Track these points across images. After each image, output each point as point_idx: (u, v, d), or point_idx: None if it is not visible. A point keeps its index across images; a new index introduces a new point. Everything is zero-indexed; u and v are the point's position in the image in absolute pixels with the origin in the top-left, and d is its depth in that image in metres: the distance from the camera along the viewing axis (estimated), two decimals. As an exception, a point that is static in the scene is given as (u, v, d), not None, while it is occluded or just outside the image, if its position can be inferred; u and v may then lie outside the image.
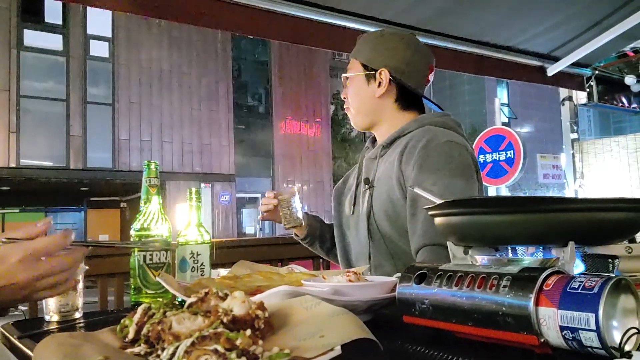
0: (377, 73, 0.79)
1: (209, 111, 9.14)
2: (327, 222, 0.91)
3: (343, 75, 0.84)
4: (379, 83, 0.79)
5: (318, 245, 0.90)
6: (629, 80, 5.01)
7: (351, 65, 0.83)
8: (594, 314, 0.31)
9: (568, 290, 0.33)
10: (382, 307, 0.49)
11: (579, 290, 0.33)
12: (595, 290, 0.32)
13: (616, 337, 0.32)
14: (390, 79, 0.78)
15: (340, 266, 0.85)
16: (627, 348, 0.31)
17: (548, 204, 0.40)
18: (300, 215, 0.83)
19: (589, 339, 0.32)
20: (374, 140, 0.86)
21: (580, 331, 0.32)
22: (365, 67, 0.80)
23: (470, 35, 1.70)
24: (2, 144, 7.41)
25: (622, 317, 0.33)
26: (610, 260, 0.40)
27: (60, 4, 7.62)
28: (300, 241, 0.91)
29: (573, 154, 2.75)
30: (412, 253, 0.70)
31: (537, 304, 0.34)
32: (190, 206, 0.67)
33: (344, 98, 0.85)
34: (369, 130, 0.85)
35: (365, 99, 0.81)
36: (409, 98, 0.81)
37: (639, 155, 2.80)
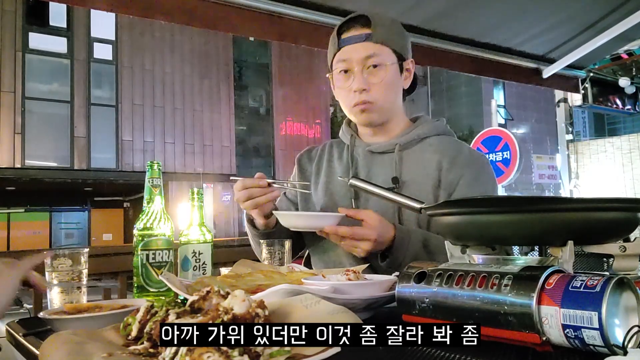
0: (406, 62, 0.75)
1: (210, 113, 9.18)
2: None
3: (372, 62, 0.70)
4: (407, 74, 0.75)
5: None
6: (623, 82, 5.01)
7: (379, 51, 0.72)
8: (596, 313, 0.31)
9: (570, 288, 0.33)
10: (380, 305, 0.49)
11: (581, 289, 0.32)
12: (598, 288, 0.32)
13: (618, 335, 0.32)
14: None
15: (316, 266, 0.80)
16: (629, 346, 0.31)
17: (546, 203, 0.40)
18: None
19: (592, 337, 0.31)
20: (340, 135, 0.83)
21: (583, 329, 0.32)
22: (397, 55, 0.73)
23: (469, 37, 1.71)
24: (7, 145, 7.48)
25: (624, 315, 0.33)
26: (604, 259, 0.40)
27: (64, 8, 7.70)
28: (261, 231, 0.76)
29: (568, 155, 2.76)
30: None
31: (539, 302, 0.34)
32: (192, 206, 0.67)
33: (363, 89, 0.71)
34: (377, 127, 0.77)
35: (397, 90, 0.75)
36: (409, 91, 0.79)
37: (633, 156, 2.81)
